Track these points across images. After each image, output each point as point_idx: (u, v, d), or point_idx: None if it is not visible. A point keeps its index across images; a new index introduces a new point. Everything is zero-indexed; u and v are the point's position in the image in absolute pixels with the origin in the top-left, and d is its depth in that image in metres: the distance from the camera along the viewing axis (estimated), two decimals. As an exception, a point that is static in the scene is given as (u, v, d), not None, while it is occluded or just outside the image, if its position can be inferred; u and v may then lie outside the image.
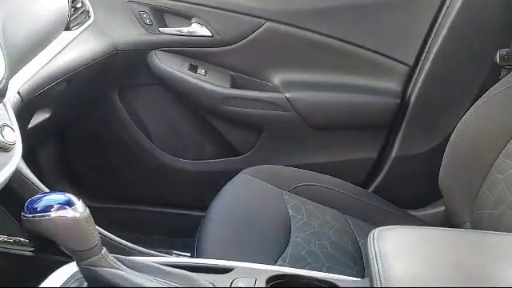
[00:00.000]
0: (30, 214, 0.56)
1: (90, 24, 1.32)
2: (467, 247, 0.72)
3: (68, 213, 0.56)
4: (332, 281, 0.70)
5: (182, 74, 1.56)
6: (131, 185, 1.58)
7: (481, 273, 0.65)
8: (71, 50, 1.17)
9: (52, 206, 0.56)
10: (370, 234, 0.66)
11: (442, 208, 1.38)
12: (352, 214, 1.24)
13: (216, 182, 1.32)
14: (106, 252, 0.60)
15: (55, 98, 1.15)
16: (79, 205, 0.58)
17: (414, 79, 1.53)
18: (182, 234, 1.52)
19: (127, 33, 1.54)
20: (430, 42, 1.48)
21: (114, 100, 1.58)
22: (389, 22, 1.51)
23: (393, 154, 1.56)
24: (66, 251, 0.60)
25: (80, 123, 1.54)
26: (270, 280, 0.68)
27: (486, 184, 1.12)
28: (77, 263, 0.60)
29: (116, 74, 1.54)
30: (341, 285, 0.69)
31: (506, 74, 1.26)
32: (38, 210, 0.56)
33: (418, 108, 1.52)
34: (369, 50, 1.52)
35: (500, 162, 1.10)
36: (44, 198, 0.58)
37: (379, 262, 0.61)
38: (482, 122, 1.18)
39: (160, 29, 1.57)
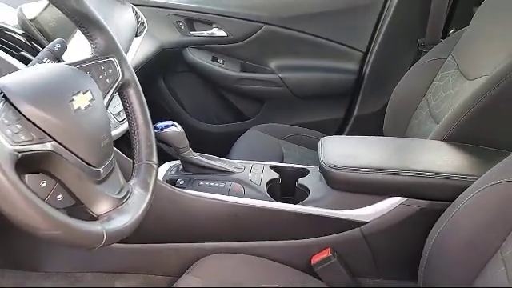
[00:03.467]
0: (156, 130, 1.06)
1: (146, 31, 1.63)
2: (384, 143, 1.14)
3: (174, 129, 1.06)
4: (305, 167, 1.20)
5: (206, 63, 1.87)
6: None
7: (389, 151, 1.07)
8: (139, 50, 1.51)
9: (166, 126, 1.07)
10: (320, 140, 1.11)
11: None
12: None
13: (232, 139, 1.63)
14: (191, 150, 1.11)
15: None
16: (178, 126, 1.08)
17: (366, 61, 1.83)
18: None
19: (169, 36, 1.83)
20: (375, 36, 1.79)
21: (160, 83, 1.89)
22: (348, 22, 1.81)
23: (354, 114, 1.86)
24: (174, 149, 1.08)
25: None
26: (271, 167, 1.18)
27: (408, 126, 1.46)
28: (178, 155, 1.09)
29: (162, 64, 1.83)
30: (310, 170, 1.18)
31: (423, 56, 1.51)
32: (159, 128, 1.06)
33: (370, 81, 1.82)
34: (335, 42, 1.83)
35: (417, 112, 1.43)
36: (161, 123, 1.07)
37: (322, 151, 1.04)
38: (407, 87, 1.48)
39: (191, 32, 1.86)
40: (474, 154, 1.04)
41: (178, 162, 1.14)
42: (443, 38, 1.61)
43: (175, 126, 1.07)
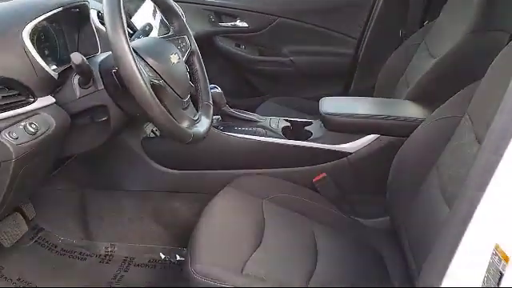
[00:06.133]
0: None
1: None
2: (367, 100, 1.48)
3: (216, 90, 1.41)
4: (310, 120, 1.56)
5: (231, 49, 2.18)
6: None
7: (369, 105, 1.41)
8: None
9: (210, 88, 1.43)
10: (320, 99, 1.49)
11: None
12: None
13: (251, 110, 1.79)
14: (228, 106, 1.47)
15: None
16: (219, 88, 1.44)
17: (360, 47, 2.11)
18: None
19: (201, 26, 2.14)
20: (367, 26, 2.07)
21: (194, 65, 2.26)
22: (346, 15, 2.08)
23: (351, 89, 2.15)
24: (215, 104, 1.41)
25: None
26: (285, 119, 1.54)
27: (394, 89, 1.77)
28: (218, 109, 1.44)
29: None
30: (313, 122, 1.55)
31: (404, 42, 1.80)
32: (206, 90, 1.43)
33: (363, 63, 2.10)
34: (335, 31, 2.11)
35: (398, 85, 1.73)
36: (207, 86, 1.44)
37: (322, 104, 1.39)
38: (391, 67, 1.78)
39: (219, 23, 2.16)
40: (429, 107, 1.39)
41: (218, 116, 1.50)
42: (420, 27, 1.88)
43: (216, 88, 1.42)
